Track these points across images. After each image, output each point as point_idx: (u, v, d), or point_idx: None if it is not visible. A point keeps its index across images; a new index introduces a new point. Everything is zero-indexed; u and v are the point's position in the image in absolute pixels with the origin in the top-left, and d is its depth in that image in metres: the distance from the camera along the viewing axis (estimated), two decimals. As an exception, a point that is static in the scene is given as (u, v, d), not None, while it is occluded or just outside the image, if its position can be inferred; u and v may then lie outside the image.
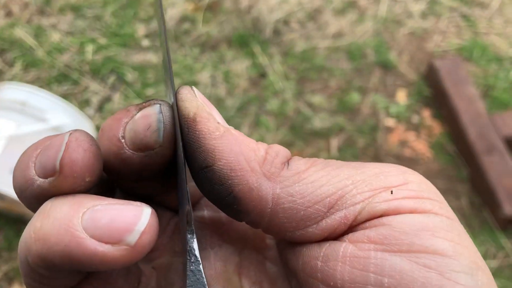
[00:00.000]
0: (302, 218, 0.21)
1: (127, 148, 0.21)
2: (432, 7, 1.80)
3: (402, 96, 1.56)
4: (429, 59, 1.64)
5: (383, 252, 0.19)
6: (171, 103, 0.23)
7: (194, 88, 0.23)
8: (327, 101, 1.53)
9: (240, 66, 1.57)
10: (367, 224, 0.20)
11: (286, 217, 0.21)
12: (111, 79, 1.53)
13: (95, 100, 1.48)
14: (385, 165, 0.22)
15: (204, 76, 1.55)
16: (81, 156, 0.20)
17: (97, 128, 1.43)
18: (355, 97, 1.54)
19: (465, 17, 1.78)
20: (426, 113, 1.54)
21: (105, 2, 1.70)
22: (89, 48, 1.59)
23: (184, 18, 1.68)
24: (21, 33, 1.60)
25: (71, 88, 1.51)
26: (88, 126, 1.33)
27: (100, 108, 1.48)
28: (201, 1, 1.74)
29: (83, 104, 1.48)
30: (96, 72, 1.54)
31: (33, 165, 0.20)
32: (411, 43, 1.69)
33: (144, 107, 0.22)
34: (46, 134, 1.13)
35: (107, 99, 1.50)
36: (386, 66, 1.62)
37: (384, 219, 0.20)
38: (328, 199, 0.20)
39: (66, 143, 0.20)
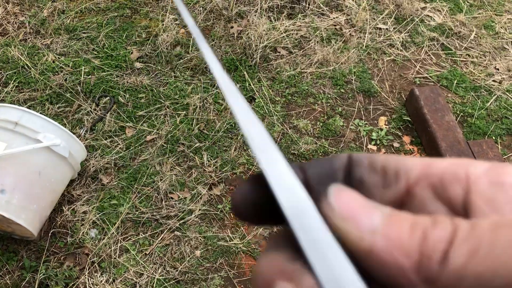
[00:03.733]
0: None
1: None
2: (413, 37, 1.88)
3: (383, 122, 1.63)
4: (409, 86, 1.71)
5: None
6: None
7: (331, 195, 0.20)
8: (312, 125, 1.58)
9: (229, 89, 1.62)
10: None
11: None
12: (104, 100, 1.57)
13: (87, 120, 1.52)
14: None
15: (194, 99, 1.59)
16: None
17: (87, 147, 1.46)
18: (339, 122, 1.60)
19: (444, 47, 1.87)
20: (406, 139, 1.61)
21: (100, 25, 1.75)
22: (83, 69, 1.62)
23: (176, 42, 1.73)
24: (15, 52, 1.63)
25: (63, 108, 1.54)
26: (79, 147, 1.36)
27: (92, 128, 1.51)
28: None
29: (75, 124, 1.51)
30: (88, 92, 1.58)
31: None
32: (393, 71, 1.76)
33: None
34: (38, 153, 1.15)
35: (99, 120, 1.53)
36: (369, 93, 1.68)
37: None
38: None
39: None
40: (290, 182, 0.19)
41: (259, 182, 0.21)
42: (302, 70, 1.72)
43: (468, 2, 2.05)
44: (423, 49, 1.85)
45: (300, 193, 0.19)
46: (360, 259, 0.19)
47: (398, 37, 1.86)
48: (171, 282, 1.27)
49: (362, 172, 0.23)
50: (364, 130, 1.59)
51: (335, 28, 1.86)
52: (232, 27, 1.79)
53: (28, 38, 1.69)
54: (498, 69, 1.82)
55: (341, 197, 0.20)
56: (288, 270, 0.18)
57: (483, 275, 0.17)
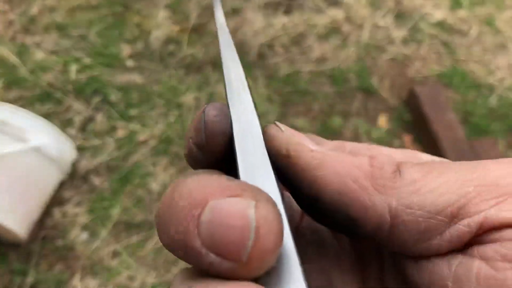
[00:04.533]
0: (424, 230, 0.19)
1: (193, 147, 0.22)
2: (413, 33, 1.84)
3: (383, 121, 1.59)
4: (409, 85, 1.68)
5: None
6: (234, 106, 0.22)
7: (278, 123, 0.22)
8: (310, 125, 1.55)
9: (224, 88, 1.59)
10: (496, 235, 0.18)
11: (407, 231, 0.20)
12: (95, 99, 1.53)
13: (77, 120, 1.48)
14: (509, 162, 0.20)
15: (188, 98, 1.55)
16: (272, 245, 0.16)
17: (78, 148, 1.42)
18: (337, 121, 1.56)
19: (445, 44, 1.83)
20: (407, 138, 1.57)
21: (91, 22, 1.71)
22: (73, 68, 1.59)
23: (169, 40, 1.70)
24: (4, 51, 1.59)
25: (53, 107, 1.50)
26: (69, 147, 1.33)
27: (83, 128, 1.47)
28: (187, 23, 1.76)
29: (65, 124, 1.47)
30: (79, 91, 1.54)
31: (196, 231, 0.16)
32: (393, 68, 1.73)
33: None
34: (26, 154, 1.12)
35: (90, 119, 1.49)
36: (368, 91, 1.65)
37: None
38: (450, 208, 0.19)
39: (256, 228, 0.16)
40: (249, 113, 0.21)
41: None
42: (300, 68, 1.68)
43: (468, -2, 2.01)
44: (424, 47, 1.81)
45: (253, 120, 0.21)
46: (308, 181, 0.20)
47: (398, 34, 1.83)
48: (165, 286, 1.25)
49: None
50: (363, 129, 1.56)
51: (333, 25, 1.82)
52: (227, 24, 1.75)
53: (18, 36, 1.66)
54: (499, 67, 1.78)
55: (287, 127, 0.22)
56: (233, 185, 0.17)
57: (436, 190, 0.19)
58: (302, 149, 0.20)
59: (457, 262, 0.19)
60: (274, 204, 0.17)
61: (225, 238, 0.16)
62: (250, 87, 0.23)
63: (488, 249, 0.18)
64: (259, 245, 0.16)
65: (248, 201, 0.16)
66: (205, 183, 0.17)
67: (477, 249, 0.19)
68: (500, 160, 0.20)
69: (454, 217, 0.19)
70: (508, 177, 0.19)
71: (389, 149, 0.26)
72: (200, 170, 0.20)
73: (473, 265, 0.19)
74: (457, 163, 0.20)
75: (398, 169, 0.20)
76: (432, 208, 0.19)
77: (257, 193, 0.17)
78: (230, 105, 0.22)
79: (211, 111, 0.21)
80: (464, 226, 0.19)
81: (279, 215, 0.17)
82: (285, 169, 0.21)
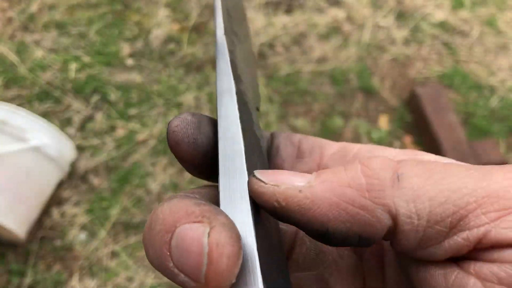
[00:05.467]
0: (422, 238, 0.19)
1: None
2: (414, 34, 1.83)
3: (384, 122, 1.58)
4: (411, 85, 1.67)
5: None
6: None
7: (257, 174, 0.21)
8: (310, 125, 1.54)
9: (225, 88, 1.58)
10: (494, 255, 0.18)
11: (406, 239, 0.20)
12: (94, 98, 1.52)
13: (77, 119, 1.47)
14: None
15: (188, 97, 1.54)
16: (225, 266, 0.18)
17: (78, 147, 1.41)
18: (337, 121, 1.55)
19: (446, 45, 1.82)
20: (408, 139, 1.56)
21: (90, 20, 1.70)
22: (73, 66, 1.58)
23: (169, 39, 1.68)
24: (3, 49, 1.58)
25: (52, 106, 1.49)
26: (68, 147, 1.32)
27: (82, 128, 1.46)
28: (187, 22, 1.75)
29: (64, 123, 1.46)
30: (78, 90, 1.53)
31: (168, 254, 0.19)
32: (394, 69, 1.72)
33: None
34: (25, 154, 1.11)
35: (89, 118, 1.48)
36: (369, 92, 1.64)
37: None
38: (449, 219, 0.19)
39: (208, 253, 0.18)
40: (233, 123, 0.22)
41: (204, 122, 0.23)
42: (300, 68, 1.67)
43: (470, -2, 2.00)
44: (425, 47, 1.80)
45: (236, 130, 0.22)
46: (308, 220, 0.20)
47: (399, 35, 1.82)
48: (163, 287, 1.24)
49: (279, 141, 0.28)
50: (363, 130, 1.55)
51: (334, 25, 1.81)
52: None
53: (17, 34, 1.64)
54: (501, 68, 1.77)
55: (267, 173, 0.21)
56: (197, 211, 0.19)
57: (436, 199, 0.19)
58: (291, 194, 0.20)
59: (454, 276, 0.19)
60: (229, 228, 0.18)
61: (187, 262, 0.18)
62: (248, 105, 0.24)
63: (485, 269, 0.18)
64: (213, 268, 0.18)
65: (205, 227, 0.18)
66: (175, 209, 0.19)
67: (474, 266, 0.19)
68: (507, 167, 0.19)
69: (453, 227, 0.19)
70: (510, 188, 0.18)
71: (393, 150, 0.26)
72: (176, 195, 0.21)
73: (468, 283, 0.18)
74: (462, 167, 0.20)
75: (396, 173, 0.20)
76: (431, 218, 0.19)
77: (214, 218, 0.18)
78: (218, 119, 0.23)
79: (173, 122, 0.22)
80: (463, 239, 0.19)
81: (233, 238, 0.18)
82: (286, 219, 0.21)
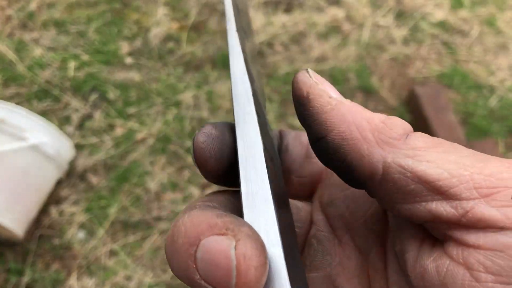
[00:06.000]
0: (411, 192, 0.20)
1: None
2: (414, 33, 1.83)
3: (383, 121, 1.58)
4: (410, 85, 1.67)
5: (503, 284, 0.18)
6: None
7: (309, 70, 0.24)
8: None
9: (224, 86, 1.58)
10: (480, 239, 0.19)
11: (395, 188, 0.21)
12: (93, 96, 1.52)
13: (75, 117, 1.47)
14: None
15: (187, 96, 1.54)
16: (253, 277, 0.18)
17: (77, 146, 1.41)
18: (337, 121, 1.55)
19: (446, 44, 1.82)
20: (407, 139, 1.56)
21: (89, 19, 1.69)
22: (71, 65, 1.57)
23: (168, 37, 1.68)
24: (2, 47, 1.58)
25: (51, 104, 1.49)
26: (67, 145, 1.31)
27: (80, 126, 1.46)
28: (186, 20, 1.74)
29: (63, 121, 1.46)
30: (77, 89, 1.53)
31: (194, 266, 0.19)
32: (393, 68, 1.71)
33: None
34: (24, 152, 1.11)
35: (88, 117, 1.48)
36: (368, 91, 1.63)
37: (500, 237, 0.18)
38: (440, 183, 0.20)
39: (236, 266, 0.18)
40: (253, 135, 0.22)
41: (225, 131, 0.23)
42: (299, 67, 1.67)
43: (470, -2, 2.00)
44: (424, 47, 1.80)
45: (257, 141, 0.22)
46: (319, 123, 0.22)
47: (399, 34, 1.82)
48: (162, 286, 1.24)
49: (288, 141, 0.29)
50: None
51: (334, 24, 1.81)
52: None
53: (15, 32, 1.64)
54: (500, 67, 1.77)
55: (316, 74, 0.24)
56: (220, 223, 0.19)
57: (432, 162, 0.20)
58: (321, 94, 0.23)
59: (445, 269, 0.20)
60: (254, 239, 0.18)
61: (215, 275, 0.18)
62: (261, 105, 0.25)
63: (471, 258, 0.19)
64: (242, 280, 0.18)
65: (230, 240, 0.18)
66: (196, 222, 0.19)
67: (462, 254, 0.19)
68: (505, 159, 0.20)
69: (443, 193, 0.20)
70: (505, 172, 0.19)
71: None
72: (195, 205, 0.22)
73: (458, 274, 0.19)
74: (466, 149, 0.21)
75: (407, 134, 0.22)
76: (422, 176, 0.20)
77: (238, 230, 0.19)
78: (236, 123, 0.23)
79: (199, 138, 0.23)
80: (451, 207, 0.19)
81: (259, 248, 0.18)
82: (303, 110, 0.23)
